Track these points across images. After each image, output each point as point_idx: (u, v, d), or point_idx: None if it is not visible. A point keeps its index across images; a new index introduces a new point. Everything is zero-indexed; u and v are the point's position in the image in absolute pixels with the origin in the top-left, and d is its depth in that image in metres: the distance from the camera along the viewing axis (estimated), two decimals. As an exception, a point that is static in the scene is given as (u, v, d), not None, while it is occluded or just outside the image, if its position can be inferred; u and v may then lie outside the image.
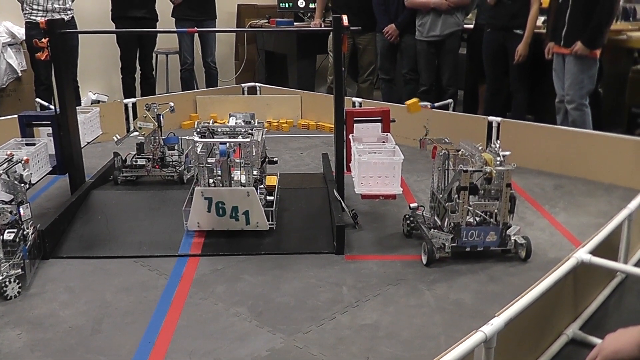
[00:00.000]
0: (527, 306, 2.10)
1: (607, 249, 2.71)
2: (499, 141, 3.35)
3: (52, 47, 3.79)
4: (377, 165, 3.40)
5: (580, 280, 2.55)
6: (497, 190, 3.20)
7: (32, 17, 5.96)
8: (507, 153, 3.21)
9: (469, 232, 3.20)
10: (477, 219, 3.29)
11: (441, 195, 3.31)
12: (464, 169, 3.12)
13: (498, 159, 3.16)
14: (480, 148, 3.27)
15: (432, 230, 3.30)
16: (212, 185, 3.49)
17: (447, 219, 3.21)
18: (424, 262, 3.24)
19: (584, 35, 4.76)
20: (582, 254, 2.46)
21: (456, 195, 3.18)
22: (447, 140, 3.47)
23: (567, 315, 2.56)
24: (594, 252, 2.50)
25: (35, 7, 5.99)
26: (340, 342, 2.59)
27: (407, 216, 3.63)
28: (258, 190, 3.52)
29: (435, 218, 3.37)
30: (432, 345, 2.57)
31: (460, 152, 3.26)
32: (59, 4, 6.08)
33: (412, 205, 3.62)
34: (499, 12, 5.54)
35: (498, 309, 2.06)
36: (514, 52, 5.43)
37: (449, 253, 3.22)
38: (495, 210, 3.24)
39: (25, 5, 6.03)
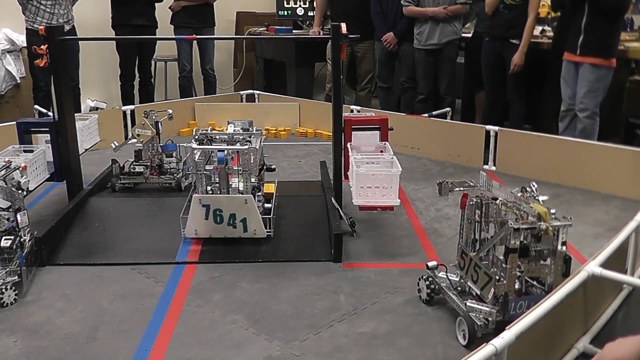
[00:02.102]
0: (539, 319, 2.08)
1: (615, 261, 2.69)
2: (534, 183, 2.71)
3: (51, 54, 3.79)
4: (375, 177, 3.39)
5: (590, 293, 2.54)
6: (549, 250, 2.56)
7: (35, 25, 5.94)
8: (545, 198, 2.65)
9: (518, 304, 2.55)
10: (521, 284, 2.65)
11: (474, 254, 2.73)
12: (515, 226, 2.46)
13: (552, 210, 2.55)
14: (519, 194, 2.65)
15: (468, 301, 2.67)
16: (210, 192, 3.49)
17: (492, 290, 2.56)
18: (463, 342, 2.61)
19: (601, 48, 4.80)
20: (593, 267, 2.43)
21: (499, 258, 2.60)
22: (471, 183, 2.89)
23: (578, 328, 2.55)
24: (604, 265, 2.48)
25: (38, 19, 5.98)
26: (337, 350, 2.58)
27: (426, 278, 2.97)
28: (256, 198, 3.51)
29: (470, 284, 2.75)
30: (430, 354, 2.56)
31: (499, 201, 2.64)
32: (63, 19, 6.08)
33: (430, 264, 2.96)
34: (495, 22, 5.55)
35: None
36: (511, 61, 5.44)
37: (492, 329, 2.56)
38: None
39: (27, 12, 6.03)
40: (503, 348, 1.91)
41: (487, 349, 1.87)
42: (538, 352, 2.26)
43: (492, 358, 1.88)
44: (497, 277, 2.53)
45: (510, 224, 2.47)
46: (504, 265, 2.52)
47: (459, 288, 2.83)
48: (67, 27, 6.01)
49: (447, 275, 2.89)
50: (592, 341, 2.55)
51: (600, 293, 2.70)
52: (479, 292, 2.66)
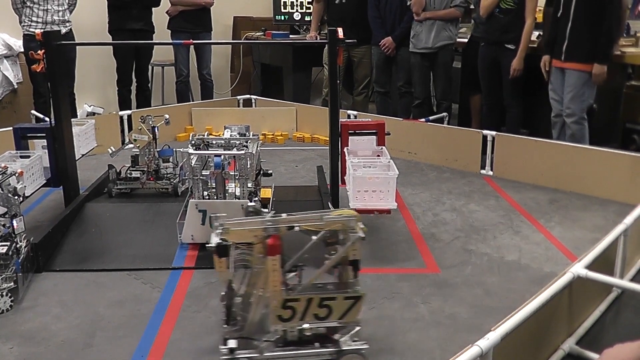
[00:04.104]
0: (524, 320, 2.10)
1: (603, 264, 2.71)
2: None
3: (48, 59, 3.79)
4: (372, 180, 3.39)
5: (577, 295, 2.55)
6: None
7: (31, 30, 5.94)
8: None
9: None
10: None
11: (308, 292, 2.42)
12: (362, 235, 2.44)
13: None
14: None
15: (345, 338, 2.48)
16: (207, 197, 3.48)
17: (362, 307, 2.51)
18: None
19: (597, 54, 4.77)
20: (578, 269, 2.46)
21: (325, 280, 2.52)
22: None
23: (564, 329, 2.55)
24: (590, 267, 2.50)
25: (34, 19, 5.99)
26: (334, 357, 2.57)
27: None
28: (252, 203, 3.50)
29: (314, 325, 2.47)
30: (427, 359, 2.55)
31: (298, 227, 2.38)
32: (58, 16, 6.08)
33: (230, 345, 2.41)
34: (491, 27, 5.55)
35: (494, 323, 2.05)
36: (507, 66, 5.44)
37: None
38: None
39: (24, 17, 6.03)
40: (488, 349, 1.92)
41: (473, 350, 1.88)
42: (524, 353, 2.27)
43: (478, 359, 1.88)
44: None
45: (356, 235, 2.40)
46: (351, 281, 2.45)
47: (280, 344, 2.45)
48: (64, 30, 6.01)
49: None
50: (578, 342, 2.55)
51: (587, 295, 2.71)
52: (336, 323, 2.45)
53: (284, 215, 2.38)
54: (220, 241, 2.32)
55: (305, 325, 2.42)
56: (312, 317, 2.42)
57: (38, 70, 3.82)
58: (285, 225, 2.35)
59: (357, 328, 2.47)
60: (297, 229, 2.36)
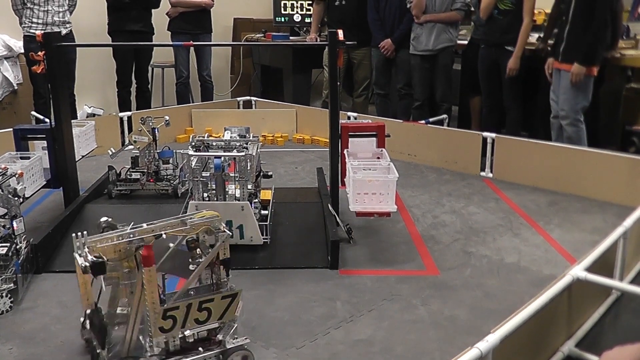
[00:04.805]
0: (523, 323, 2.10)
1: (602, 266, 2.71)
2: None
3: (48, 60, 3.79)
4: (372, 183, 3.39)
5: (576, 297, 2.55)
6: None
7: (31, 31, 5.95)
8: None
9: None
10: None
11: (186, 299, 2.40)
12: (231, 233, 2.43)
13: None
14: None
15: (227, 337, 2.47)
16: (207, 199, 3.48)
17: (241, 303, 2.52)
18: None
19: (579, 54, 4.80)
20: (578, 271, 2.45)
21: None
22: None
23: (563, 332, 2.55)
24: (590, 269, 2.50)
25: (35, 20, 6.00)
26: (334, 358, 2.57)
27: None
28: (252, 205, 3.51)
29: (195, 330, 2.43)
30: (427, 361, 2.56)
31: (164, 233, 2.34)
32: (58, 17, 6.09)
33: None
34: (490, 28, 5.58)
35: (493, 325, 2.05)
36: (506, 68, 5.45)
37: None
38: None
39: (24, 18, 6.04)
40: (488, 351, 1.92)
41: (472, 352, 1.88)
42: (523, 355, 2.26)
43: None
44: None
45: (225, 234, 2.38)
46: (224, 280, 2.46)
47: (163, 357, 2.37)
48: (64, 31, 6.02)
49: None
50: (578, 345, 2.55)
51: (586, 297, 2.71)
52: (217, 324, 2.43)
53: (144, 226, 2.32)
54: (95, 259, 2.23)
55: (187, 332, 2.37)
56: (193, 323, 2.38)
57: (38, 72, 3.82)
58: (151, 235, 2.28)
59: (235, 325, 2.46)
60: (164, 236, 2.30)
